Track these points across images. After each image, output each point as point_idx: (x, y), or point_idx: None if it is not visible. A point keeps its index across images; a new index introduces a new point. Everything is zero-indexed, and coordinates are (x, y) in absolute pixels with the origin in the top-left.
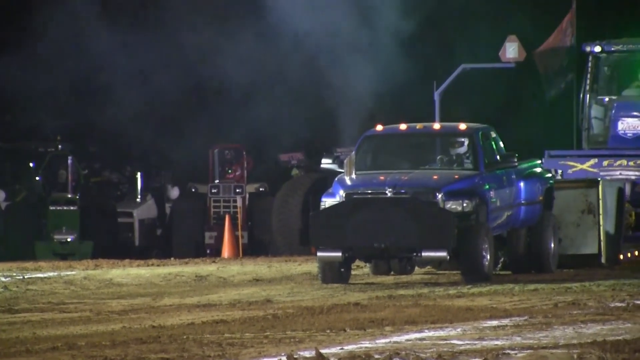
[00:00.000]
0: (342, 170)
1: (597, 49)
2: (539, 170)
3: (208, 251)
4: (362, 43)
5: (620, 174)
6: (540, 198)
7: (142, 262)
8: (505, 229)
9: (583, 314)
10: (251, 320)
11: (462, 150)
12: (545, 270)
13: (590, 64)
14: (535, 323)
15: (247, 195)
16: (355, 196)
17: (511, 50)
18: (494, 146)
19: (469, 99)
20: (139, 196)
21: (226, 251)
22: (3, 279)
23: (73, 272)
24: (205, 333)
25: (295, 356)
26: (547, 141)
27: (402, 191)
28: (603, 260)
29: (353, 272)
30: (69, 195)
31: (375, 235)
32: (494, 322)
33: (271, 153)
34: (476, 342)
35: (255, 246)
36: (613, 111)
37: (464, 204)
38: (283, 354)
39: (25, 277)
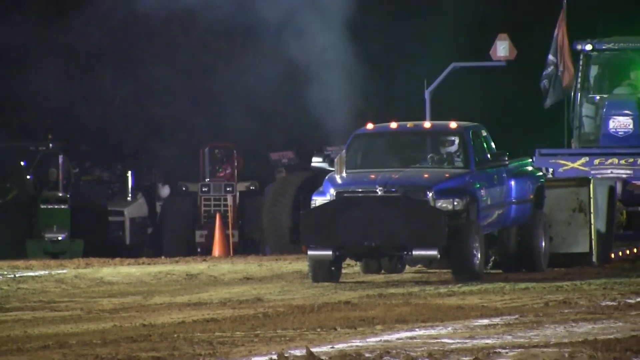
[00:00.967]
0: (333, 169)
1: (588, 47)
2: (529, 168)
3: (199, 250)
4: (353, 41)
5: (612, 173)
6: (531, 196)
7: (132, 260)
8: (496, 227)
9: (574, 312)
10: (242, 318)
11: (453, 148)
12: (536, 269)
13: (581, 63)
14: (526, 322)
15: (238, 194)
16: (345, 195)
17: (502, 49)
18: (485, 145)
19: (460, 97)
20: (130, 195)
21: (217, 250)
22: None
23: (64, 271)
24: (196, 332)
25: (285, 355)
26: (538, 139)
27: (393, 190)
28: (594, 259)
29: (344, 271)
30: (60, 194)
31: (365, 234)
32: (485, 321)
33: (262, 152)
34: (467, 340)
35: (245, 245)
36: (604, 109)
37: (455, 203)
38: (274, 352)
39: (16, 275)
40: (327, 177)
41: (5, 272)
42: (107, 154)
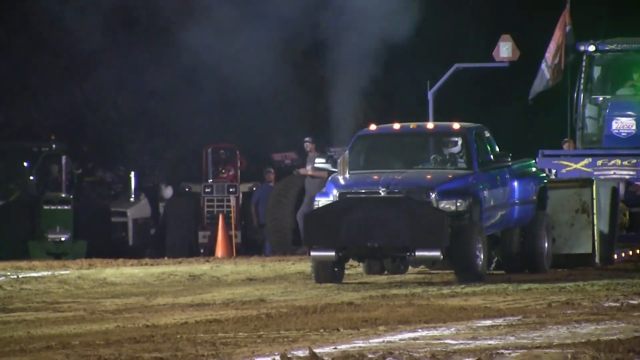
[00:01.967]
0: (336, 170)
1: (591, 48)
2: (532, 169)
3: (202, 250)
4: (355, 42)
5: (614, 174)
6: (534, 197)
7: (135, 261)
8: (498, 228)
9: (577, 313)
10: (245, 319)
11: (456, 149)
12: (538, 270)
13: (584, 64)
14: (529, 323)
15: (241, 195)
16: (348, 196)
17: (505, 50)
18: (488, 146)
19: (463, 98)
20: (133, 196)
21: (220, 251)
22: None
23: (67, 272)
24: (199, 332)
25: (288, 355)
26: (541, 141)
27: (396, 191)
28: (597, 259)
29: (346, 272)
30: (63, 195)
31: (368, 235)
32: (488, 322)
33: (264, 152)
34: (470, 341)
35: (248, 246)
36: (607, 111)
37: (458, 204)
38: (276, 353)
39: (19, 276)
40: (330, 178)
41: (8, 273)
42: (110, 154)
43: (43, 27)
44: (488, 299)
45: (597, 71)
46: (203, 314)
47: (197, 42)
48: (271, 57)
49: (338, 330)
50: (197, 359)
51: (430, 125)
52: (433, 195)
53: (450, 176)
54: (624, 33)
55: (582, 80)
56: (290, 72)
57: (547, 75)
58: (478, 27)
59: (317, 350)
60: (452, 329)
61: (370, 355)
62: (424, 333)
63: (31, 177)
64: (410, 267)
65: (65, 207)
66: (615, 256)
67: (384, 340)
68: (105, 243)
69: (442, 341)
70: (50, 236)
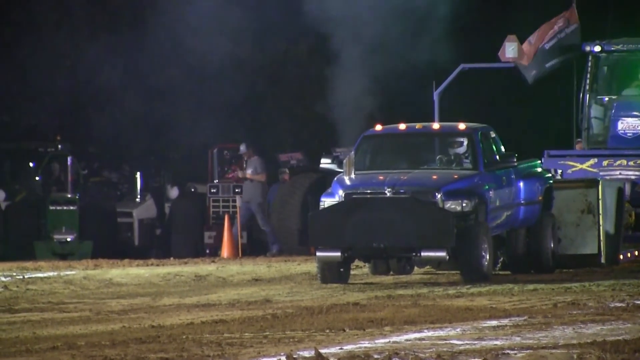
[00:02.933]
0: (342, 170)
1: (597, 48)
2: (538, 170)
3: (207, 251)
4: (362, 42)
5: (620, 174)
6: (540, 198)
7: (141, 262)
8: (504, 228)
9: (583, 314)
10: (250, 320)
11: (462, 150)
12: (544, 270)
13: (590, 64)
14: (535, 323)
15: None
16: (354, 196)
17: (510, 50)
18: (494, 146)
19: (469, 98)
20: (139, 196)
21: (225, 251)
22: (3, 279)
23: (73, 272)
24: (205, 333)
25: (294, 356)
26: (547, 141)
27: (402, 191)
28: (603, 260)
29: (352, 272)
30: (69, 195)
31: (374, 235)
32: (494, 322)
33: (271, 153)
34: (475, 342)
35: (254, 246)
36: (613, 111)
37: (464, 204)
38: (282, 353)
39: (25, 276)
40: (335, 179)
41: (14, 274)
42: (116, 155)
43: (48, 27)
44: (494, 299)
45: (602, 71)
46: (209, 314)
47: (203, 42)
48: (277, 58)
49: (344, 330)
50: (203, 359)
51: (436, 125)
52: (439, 196)
53: (456, 176)
54: (630, 33)
55: (587, 81)
56: (296, 72)
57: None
58: (484, 27)
59: (322, 351)
60: (458, 330)
61: (376, 356)
62: (430, 333)
63: (37, 178)
64: (416, 268)
65: (71, 208)
66: (621, 256)
67: (389, 341)
68: (111, 243)
69: (448, 341)
70: (56, 236)
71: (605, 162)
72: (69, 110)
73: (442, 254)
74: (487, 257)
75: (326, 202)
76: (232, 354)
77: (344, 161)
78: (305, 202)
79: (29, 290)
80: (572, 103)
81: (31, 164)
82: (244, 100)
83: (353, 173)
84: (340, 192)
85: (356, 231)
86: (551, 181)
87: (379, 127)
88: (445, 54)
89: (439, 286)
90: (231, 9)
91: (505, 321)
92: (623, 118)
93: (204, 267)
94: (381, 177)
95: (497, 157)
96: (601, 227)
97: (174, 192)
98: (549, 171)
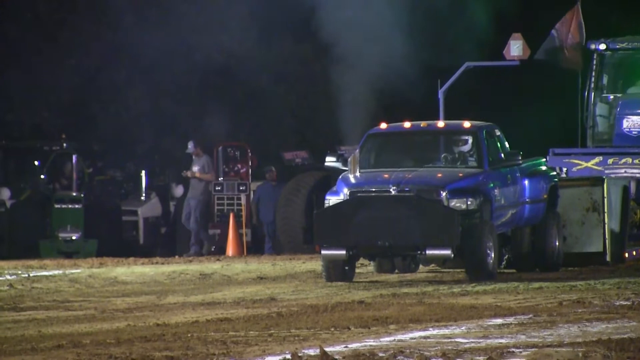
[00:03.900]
0: (346, 169)
1: (602, 46)
2: (543, 168)
3: (213, 248)
4: (366, 40)
5: (625, 172)
6: (545, 196)
7: (146, 260)
8: (509, 227)
9: (588, 312)
10: (255, 318)
11: (466, 148)
12: (549, 268)
13: (595, 62)
14: (540, 321)
15: (252, 193)
16: (359, 194)
17: (515, 48)
18: (498, 144)
19: (474, 97)
20: (144, 194)
21: (230, 249)
22: (8, 277)
23: (78, 270)
24: (210, 331)
25: (299, 354)
26: (552, 139)
27: (406, 189)
28: (608, 258)
29: (357, 271)
30: (74, 194)
31: (379, 234)
32: (499, 321)
33: (275, 151)
34: (481, 340)
35: (259, 244)
36: (618, 109)
37: (468, 202)
38: (287, 352)
39: (31, 275)
40: (340, 177)
41: (20, 272)
42: (121, 153)
43: (54, 25)
44: (499, 297)
45: (607, 69)
46: (214, 312)
47: (209, 41)
48: (282, 56)
49: (349, 329)
50: (208, 358)
51: (440, 123)
52: (444, 194)
53: (460, 175)
54: (635, 31)
55: (592, 79)
56: (301, 71)
57: (564, 60)
58: (489, 25)
59: (327, 349)
60: (463, 328)
61: (381, 354)
62: (435, 332)
63: (42, 176)
64: (421, 266)
65: (76, 206)
66: (626, 255)
67: (394, 339)
68: (116, 242)
69: (452, 340)
70: (61, 235)
71: (610, 160)
72: (74, 109)
73: (447, 252)
74: (492, 255)
75: (331, 200)
76: (237, 352)
77: (349, 159)
78: (310, 201)
79: (34, 289)
80: (577, 101)
81: (36, 163)
82: (249, 98)
83: (358, 171)
84: (345, 191)
85: (361, 229)
86: (556, 179)
87: (383, 126)
88: (450, 52)
89: (444, 284)
90: (237, 6)
91: (510, 319)
92: (628, 116)
93: (209, 266)
94: (386, 176)
95: (502, 155)
96: (606, 225)
97: (178, 191)
98: (554, 169)
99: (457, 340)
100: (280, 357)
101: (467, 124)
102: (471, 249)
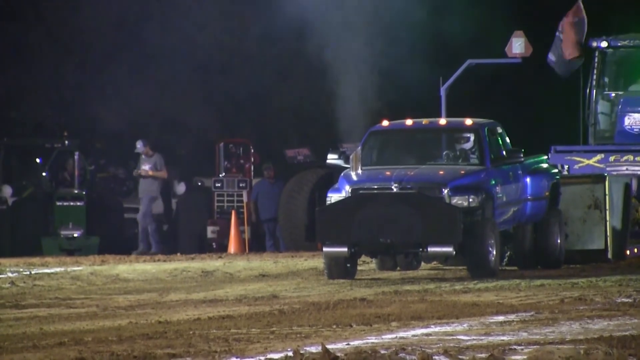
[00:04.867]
0: (348, 166)
1: (604, 44)
2: (545, 165)
3: (213, 245)
4: (368, 38)
5: (627, 170)
6: (547, 194)
7: (148, 257)
8: (511, 224)
9: (589, 309)
10: (257, 315)
11: (468, 145)
12: (551, 265)
13: (596, 59)
14: (542, 318)
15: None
16: (361, 191)
17: (517, 46)
18: (500, 141)
19: (476, 94)
20: None
21: (232, 246)
22: (10, 275)
23: (80, 268)
24: (212, 328)
25: (301, 351)
26: (553, 136)
27: (408, 186)
28: (609, 255)
29: (359, 268)
30: (76, 191)
31: (381, 231)
32: (501, 318)
33: (277, 148)
34: (482, 337)
35: (261, 241)
36: (619, 106)
37: (470, 199)
38: (289, 349)
39: (32, 272)
40: (342, 174)
41: (21, 269)
42: (123, 151)
43: (56, 24)
44: (501, 294)
45: (609, 67)
46: (216, 310)
47: (210, 38)
48: (283, 53)
49: (351, 326)
50: (210, 355)
51: (442, 121)
52: (445, 191)
53: (462, 172)
54: (637, 29)
55: (594, 76)
56: (302, 67)
57: (565, 53)
58: (491, 22)
59: (329, 346)
60: (465, 325)
61: (383, 351)
62: (437, 329)
63: (44, 174)
64: (422, 263)
65: (78, 204)
66: (628, 252)
67: (396, 336)
68: (118, 239)
69: (454, 337)
70: (63, 232)
71: (612, 158)
72: (76, 106)
73: (449, 249)
74: (494, 253)
75: (333, 197)
76: (239, 350)
77: (351, 157)
78: (312, 198)
79: (36, 286)
80: (579, 99)
81: (38, 160)
82: (250, 95)
83: (360, 168)
84: (347, 188)
85: (363, 227)
86: (558, 177)
87: (385, 123)
88: (452, 50)
89: (445, 282)
90: (239, 3)
91: (512, 317)
92: (630, 114)
93: (211, 263)
94: (388, 173)
95: (504, 152)
96: (608, 223)
97: (181, 188)
98: (556, 167)
99: (459, 337)
100: (282, 355)
101: (469, 122)
102: (473, 247)
